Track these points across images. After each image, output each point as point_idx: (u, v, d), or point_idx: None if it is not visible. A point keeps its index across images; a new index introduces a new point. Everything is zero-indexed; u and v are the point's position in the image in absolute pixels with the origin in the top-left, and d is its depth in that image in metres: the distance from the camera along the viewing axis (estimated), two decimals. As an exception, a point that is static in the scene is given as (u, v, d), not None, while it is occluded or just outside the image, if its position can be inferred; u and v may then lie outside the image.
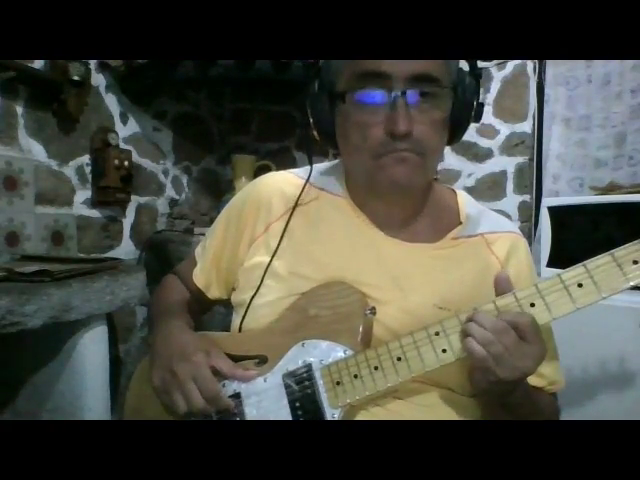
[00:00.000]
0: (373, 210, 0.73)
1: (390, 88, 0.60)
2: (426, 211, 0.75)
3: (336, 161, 0.82)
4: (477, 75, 0.66)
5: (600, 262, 0.56)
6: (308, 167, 0.78)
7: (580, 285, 0.57)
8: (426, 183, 0.73)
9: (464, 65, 0.68)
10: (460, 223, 0.74)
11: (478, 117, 0.68)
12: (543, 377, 0.71)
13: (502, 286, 0.59)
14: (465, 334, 0.58)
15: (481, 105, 0.68)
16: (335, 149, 0.72)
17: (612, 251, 0.56)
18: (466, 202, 0.78)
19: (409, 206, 0.73)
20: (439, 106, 0.63)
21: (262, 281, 0.72)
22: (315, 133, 0.70)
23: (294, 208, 0.74)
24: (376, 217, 0.73)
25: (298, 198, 0.74)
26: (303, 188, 0.75)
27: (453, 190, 0.80)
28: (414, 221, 0.73)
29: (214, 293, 0.83)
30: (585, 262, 0.57)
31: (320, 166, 0.80)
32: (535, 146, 1.95)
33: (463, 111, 0.66)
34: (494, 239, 0.73)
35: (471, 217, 0.75)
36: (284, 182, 0.78)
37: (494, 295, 0.60)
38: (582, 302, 0.57)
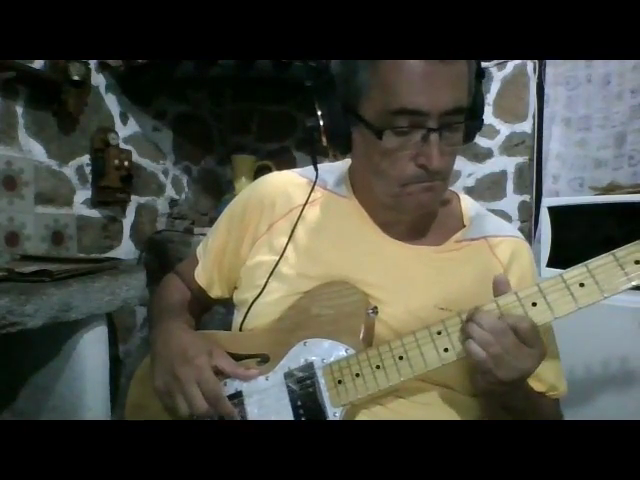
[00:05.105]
0: (378, 212, 0.73)
1: (425, 124, 0.60)
2: (431, 214, 0.75)
3: (340, 162, 0.82)
4: (481, 78, 0.68)
5: (601, 262, 0.56)
6: (310, 167, 0.77)
7: (582, 285, 0.56)
8: None
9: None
10: (464, 226, 0.74)
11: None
12: (543, 381, 0.70)
13: (500, 288, 0.59)
14: (465, 335, 0.58)
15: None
16: (344, 154, 0.72)
17: (613, 251, 0.56)
18: (469, 205, 0.78)
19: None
20: (460, 131, 0.65)
21: (267, 281, 0.72)
22: (325, 140, 0.69)
23: (302, 209, 0.74)
24: (381, 219, 0.73)
25: (307, 200, 0.74)
26: (311, 190, 0.75)
27: (456, 193, 0.80)
28: (418, 223, 0.73)
29: (216, 292, 0.82)
30: (587, 262, 0.57)
31: (324, 166, 0.79)
32: (535, 146, 1.95)
33: (475, 125, 0.68)
34: (497, 243, 0.73)
35: (474, 220, 0.75)
36: (287, 182, 0.79)
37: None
38: (584, 302, 0.56)
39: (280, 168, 0.86)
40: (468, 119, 0.64)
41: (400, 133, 0.62)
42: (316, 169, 0.75)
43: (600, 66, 1.77)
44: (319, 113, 0.68)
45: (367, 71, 0.62)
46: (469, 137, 0.68)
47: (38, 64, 1.39)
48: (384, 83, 0.61)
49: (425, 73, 0.59)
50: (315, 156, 0.74)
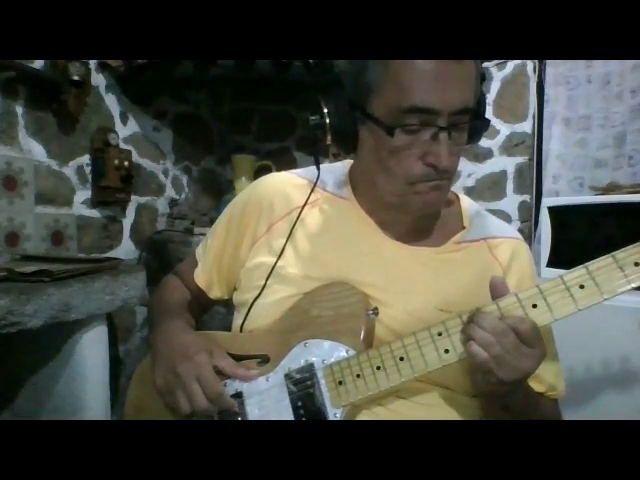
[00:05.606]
0: (378, 214, 0.73)
1: (435, 123, 0.61)
2: (432, 215, 0.75)
3: (339, 163, 0.82)
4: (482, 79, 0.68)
5: (601, 264, 0.56)
6: (309, 168, 0.77)
7: (582, 286, 0.56)
8: None
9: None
10: (463, 227, 0.75)
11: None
12: (542, 382, 0.70)
13: (497, 290, 0.59)
14: (466, 336, 0.58)
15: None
16: (349, 153, 0.72)
17: (613, 253, 0.56)
18: (469, 206, 0.78)
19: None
20: (466, 131, 0.65)
21: (266, 282, 0.71)
22: (330, 138, 0.68)
23: (301, 211, 0.74)
24: (381, 220, 0.73)
25: (306, 201, 0.74)
26: (311, 191, 0.75)
27: (456, 194, 0.80)
28: (419, 225, 0.73)
29: (215, 293, 0.83)
30: (587, 264, 0.57)
31: (323, 167, 0.79)
32: (535, 146, 1.95)
33: (482, 125, 0.68)
34: (497, 244, 0.73)
35: (474, 222, 0.75)
36: (286, 183, 0.78)
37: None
38: (584, 303, 0.56)
39: (280, 168, 0.86)
40: (472, 120, 0.65)
41: (410, 131, 0.62)
42: (318, 169, 0.75)
43: (600, 66, 1.77)
44: (325, 111, 0.67)
45: (378, 69, 0.62)
46: (475, 138, 0.69)
47: (38, 64, 1.38)
48: (396, 81, 0.61)
49: (437, 72, 0.59)
50: (318, 156, 0.74)
